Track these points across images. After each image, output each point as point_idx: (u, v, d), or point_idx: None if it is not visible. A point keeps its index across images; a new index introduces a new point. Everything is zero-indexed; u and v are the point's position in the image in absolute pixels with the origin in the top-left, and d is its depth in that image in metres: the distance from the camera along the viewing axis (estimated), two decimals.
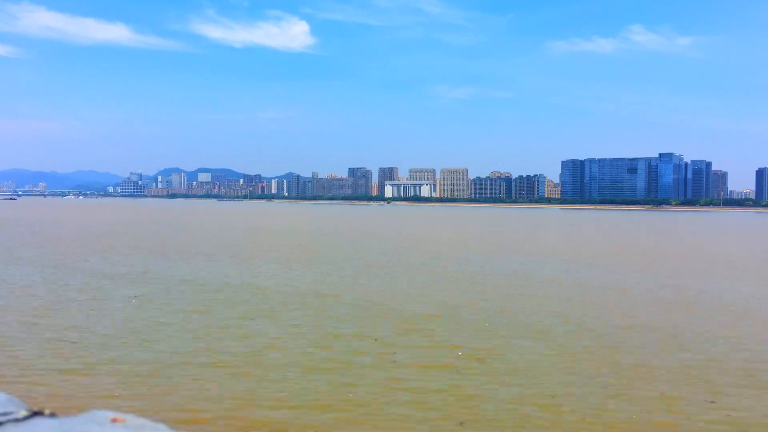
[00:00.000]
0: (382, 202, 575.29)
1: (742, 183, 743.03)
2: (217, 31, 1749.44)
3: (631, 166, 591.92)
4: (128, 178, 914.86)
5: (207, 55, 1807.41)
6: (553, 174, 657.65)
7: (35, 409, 1.92)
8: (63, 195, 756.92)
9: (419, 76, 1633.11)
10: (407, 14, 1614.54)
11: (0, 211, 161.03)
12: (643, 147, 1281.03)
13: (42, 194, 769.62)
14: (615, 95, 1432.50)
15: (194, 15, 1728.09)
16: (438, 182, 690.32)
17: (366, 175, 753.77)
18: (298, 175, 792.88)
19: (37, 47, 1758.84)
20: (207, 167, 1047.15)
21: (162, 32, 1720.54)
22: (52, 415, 1.89)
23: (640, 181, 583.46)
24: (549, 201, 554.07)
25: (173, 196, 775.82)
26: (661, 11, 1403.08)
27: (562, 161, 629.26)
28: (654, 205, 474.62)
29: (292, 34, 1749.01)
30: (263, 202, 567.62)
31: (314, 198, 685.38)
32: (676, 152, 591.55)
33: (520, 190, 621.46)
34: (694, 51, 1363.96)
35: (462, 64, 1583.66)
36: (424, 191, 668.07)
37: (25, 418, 1.85)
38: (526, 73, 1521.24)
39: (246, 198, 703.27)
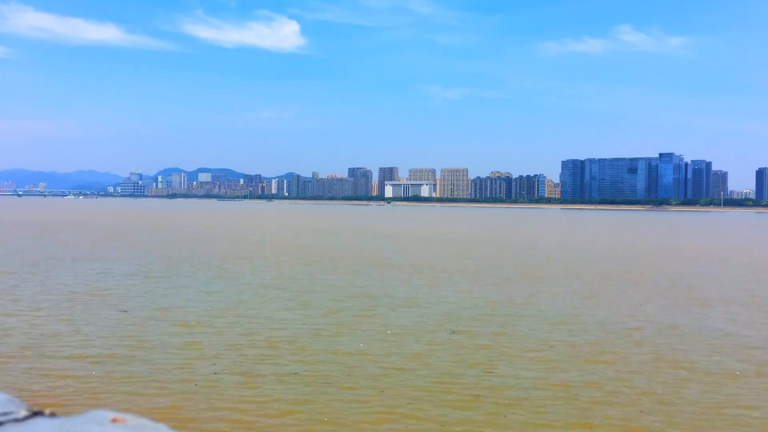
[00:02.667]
0: (382, 202, 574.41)
1: (742, 183, 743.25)
2: (207, 31, 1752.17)
3: (631, 166, 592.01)
4: (128, 178, 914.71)
5: (200, 55, 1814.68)
6: (553, 174, 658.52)
7: (35, 409, 1.91)
8: (63, 195, 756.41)
9: (413, 76, 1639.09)
10: (398, 15, 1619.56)
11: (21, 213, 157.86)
12: (643, 147, 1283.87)
13: (42, 194, 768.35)
14: (609, 95, 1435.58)
15: (183, 15, 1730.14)
16: (438, 182, 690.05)
17: (366, 175, 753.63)
18: (299, 175, 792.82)
19: (29, 48, 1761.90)
20: (207, 167, 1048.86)
21: (153, 32, 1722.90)
22: (52, 415, 1.88)
23: (640, 181, 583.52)
24: (549, 201, 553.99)
25: (173, 196, 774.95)
26: (649, 12, 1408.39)
27: (562, 161, 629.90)
28: (654, 205, 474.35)
29: (283, 35, 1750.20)
30: (263, 202, 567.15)
31: (314, 198, 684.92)
32: (676, 152, 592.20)
33: (520, 190, 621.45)
34: (686, 51, 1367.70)
35: (454, 64, 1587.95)
36: (424, 191, 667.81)
37: (25, 418, 1.84)
38: (518, 73, 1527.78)
39: (246, 198, 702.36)
